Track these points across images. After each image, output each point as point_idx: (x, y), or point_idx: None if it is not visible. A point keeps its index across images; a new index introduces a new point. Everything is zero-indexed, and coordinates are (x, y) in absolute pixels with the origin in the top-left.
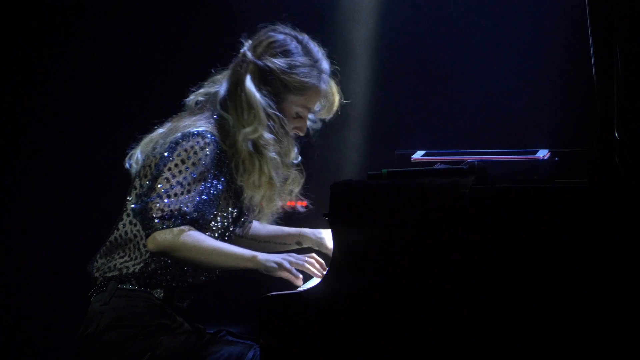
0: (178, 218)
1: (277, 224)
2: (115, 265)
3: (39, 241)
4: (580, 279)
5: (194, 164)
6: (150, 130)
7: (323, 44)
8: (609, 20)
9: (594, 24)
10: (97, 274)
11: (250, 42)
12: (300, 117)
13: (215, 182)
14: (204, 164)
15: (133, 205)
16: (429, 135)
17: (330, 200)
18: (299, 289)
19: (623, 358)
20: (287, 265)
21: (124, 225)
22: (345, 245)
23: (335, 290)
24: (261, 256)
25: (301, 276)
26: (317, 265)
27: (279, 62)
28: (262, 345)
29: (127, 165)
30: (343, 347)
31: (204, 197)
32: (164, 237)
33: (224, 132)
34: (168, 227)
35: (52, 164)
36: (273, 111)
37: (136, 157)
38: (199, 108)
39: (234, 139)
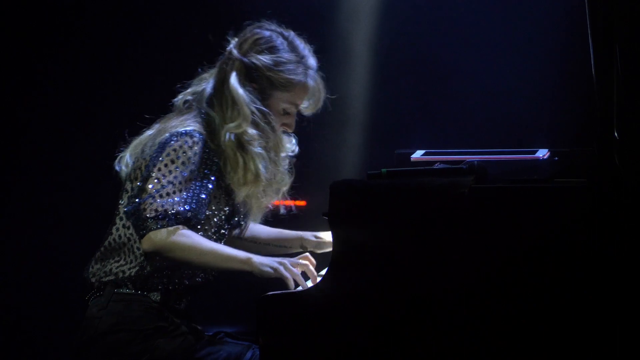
0: (172, 218)
1: (278, 226)
2: (111, 269)
3: (39, 241)
4: (580, 278)
5: (183, 163)
6: (139, 132)
7: (323, 44)
8: (608, 20)
9: (593, 24)
10: (93, 279)
11: (236, 39)
12: (287, 114)
13: (205, 181)
14: (193, 163)
15: (125, 208)
16: (429, 135)
17: (329, 200)
18: (298, 288)
19: (623, 358)
20: (282, 270)
21: (118, 229)
22: (345, 245)
23: (335, 289)
24: (256, 259)
25: (293, 285)
26: (311, 267)
27: (264, 59)
28: (262, 345)
29: (116, 168)
30: (342, 346)
31: (196, 196)
32: (159, 236)
33: (211, 130)
34: (162, 226)
35: (51, 165)
36: (258, 106)
37: (125, 160)
38: (186, 107)
39: (220, 137)
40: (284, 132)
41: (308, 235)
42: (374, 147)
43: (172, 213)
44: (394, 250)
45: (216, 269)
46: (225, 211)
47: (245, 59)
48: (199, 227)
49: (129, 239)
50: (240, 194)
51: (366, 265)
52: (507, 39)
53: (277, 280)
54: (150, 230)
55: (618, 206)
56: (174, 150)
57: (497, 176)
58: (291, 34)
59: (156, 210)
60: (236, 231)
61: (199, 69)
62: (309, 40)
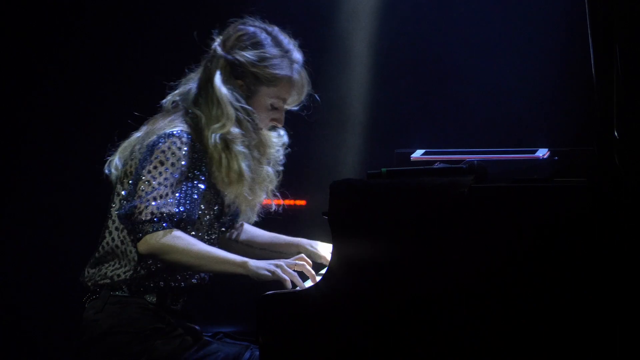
0: (167, 220)
1: (278, 226)
2: (106, 273)
3: (39, 242)
4: (580, 278)
5: (173, 164)
6: (127, 135)
7: (323, 44)
8: (608, 20)
9: (593, 23)
10: (89, 283)
11: (220, 37)
12: (276, 109)
13: (196, 182)
14: (183, 164)
15: (117, 212)
16: (429, 135)
17: (329, 200)
18: (298, 287)
19: (623, 358)
20: (280, 273)
21: (110, 233)
22: (345, 244)
23: (335, 289)
24: (252, 262)
25: (291, 286)
26: (307, 267)
27: (248, 55)
28: (262, 344)
29: (106, 172)
30: (342, 346)
31: (189, 197)
32: (155, 239)
33: (199, 130)
34: (158, 229)
35: (51, 165)
36: (241, 105)
37: (115, 163)
38: (173, 108)
39: (206, 136)
40: (274, 126)
41: (304, 242)
42: (374, 147)
43: (167, 215)
44: (393, 250)
45: (212, 272)
46: (215, 210)
47: (229, 56)
48: (191, 228)
49: (122, 242)
50: (227, 193)
51: (366, 264)
52: (507, 39)
53: (275, 282)
54: (147, 233)
55: (618, 206)
56: (163, 152)
57: (497, 176)
58: (275, 29)
59: (151, 213)
60: (232, 233)
61: (186, 69)
62: (310, 40)
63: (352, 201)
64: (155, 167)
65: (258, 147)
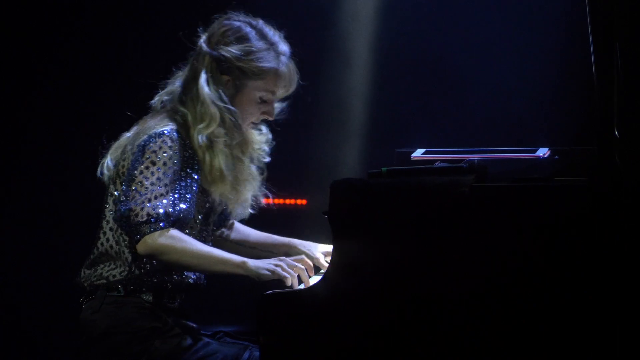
0: (164, 220)
1: (277, 225)
2: (101, 274)
3: (38, 241)
4: (581, 277)
5: (164, 163)
6: (117, 136)
7: (324, 43)
8: (609, 20)
9: (594, 23)
10: (86, 284)
11: (206, 34)
12: (265, 102)
13: (189, 180)
14: (175, 163)
15: (114, 215)
16: (429, 134)
17: (330, 199)
18: (299, 287)
19: (623, 358)
20: (280, 271)
21: (105, 234)
22: (345, 244)
23: (335, 288)
24: (251, 263)
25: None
26: (305, 274)
27: (233, 50)
28: (262, 344)
29: (98, 173)
30: (343, 345)
31: (183, 196)
32: (155, 239)
33: (187, 128)
34: (157, 229)
35: (50, 165)
36: (225, 104)
37: (107, 165)
38: (162, 107)
39: (192, 135)
40: (265, 120)
41: (297, 242)
42: (375, 146)
43: (164, 215)
44: (394, 249)
45: (211, 272)
46: (205, 209)
47: (214, 52)
48: (186, 226)
49: (116, 243)
50: (212, 191)
51: (366, 264)
52: (508, 38)
53: (275, 281)
54: (145, 234)
55: (618, 205)
56: (154, 151)
57: (498, 175)
58: (260, 22)
59: (148, 214)
60: (223, 232)
61: (173, 68)
62: (311, 40)
63: (352, 200)
64: (147, 168)
65: (240, 145)
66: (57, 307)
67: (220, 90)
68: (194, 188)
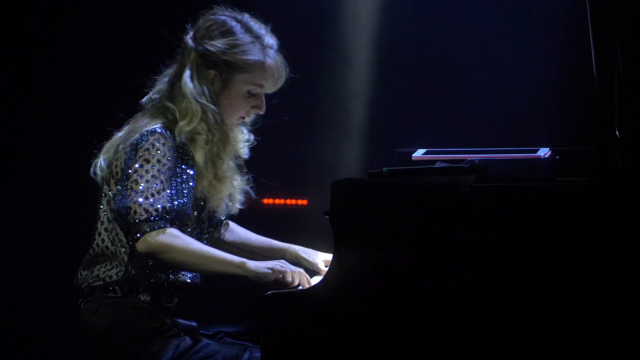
0: (162, 218)
1: (278, 225)
2: (98, 275)
3: (38, 241)
4: (581, 277)
5: (158, 161)
6: (108, 136)
7: (325, 43)
8: (609, 20)
9: (594, 23)
10: (83, 285)
11: (192, 30)
12: (254, 96)
13: (185, 177)
14: (169, 159)
15: (112, 214)
16: (430, 134)
17: (330, 199)
18: (300, 287)
19: (623, 358)
20: (279, 268)
21: (100, 235)
22: (346, 244)
23: (336, 288)
24: (250, 263)
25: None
26: (303, 279)
27: (218, 44)
28: (263, 344)
29: (91, 174)
30: (343, 345)
31: (180, 192)
32: (154, 238)
33: (177, 125)
34: (156, 227)
35: (50, 165)
36: (207, 100)
37: (99, 165)
38: (152, 105)
39: (176, 132)
40: (256, 114)
41: (296, 248)
42: (375, 146)
43: (162, 213)
44: (395, 249)
45: (210, 272)
46: (200, 205)
47: (200, 48)
48: (184, 223)
49: (112, 243)
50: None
51: (367, 264)
52: (509, 38)
53: (275, 282)
54: (144, 232)
55: (619, 205)
56: (147, 149)
57: (498, 175)
58: (245, 16)
59: (146, 211)
60: (221, 234)
61: (162, 66)
62: (312, 40)
63: (353, 200)
64: (141, 166)
65: (220, 142)
66: (56, 307)
67: (204, 86)
68: (190, 184)
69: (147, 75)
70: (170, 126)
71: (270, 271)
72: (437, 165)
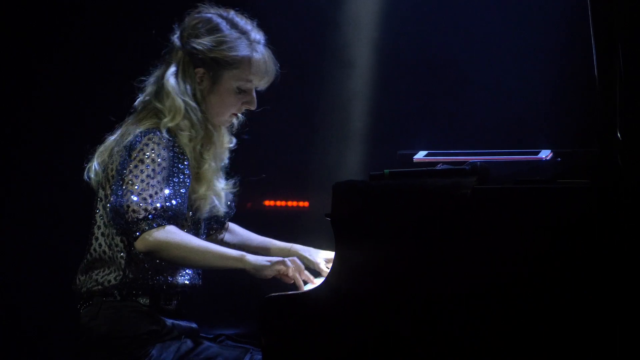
0: (161, 216)
1: (278, 227)
2: (97, 280)
3: (39, 241)
4: (583, 279)
5: (153, 160)
6: (102, 140)
7: (326, 45)
8: (611, 21)
9: (596, 24)
10: (82, 290)
11: (179, 30)
12: (244, 92)
13: (182, 176)
14: (164, 159)
15: (102, 218)
16: (431, 136)
17: (332, 201)
18: (307, 286)
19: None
20: (279, 264)
21: (97, 239)
22: (348, 246)
23: (338, 290)
24: (250, 257)
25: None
26: (305, 274)
27: (204, 42)
28: (264, 346)
29: (85, 178)
30: (345, 347)
31: (177, 191)
32: (154, 236)
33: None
34: (155, 225)
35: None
36: (188, 97)
37: (94, 169)
38: (143, 108)
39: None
40: (248, 110)
41: (298, 248)
42: (377, 148)
43: (161, 211)
44: (396, 251)
45: (210, 267)
46: (195, 205)
47: (186, 46)
48: (182, 222)
49: (109, 248)
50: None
51: (369, 266)
52: (510, 40)
53: (277, 283)
54: (143, 230)
55: (621, 207)
56: (141, 150)
57: (500, 177)
58: (231, 12)
59: (145, 210)
60: (224, 235)
61: (150, 68)
62: (314, 42)
63: (354, 202)
64: (136, 166)
65: (203, 141)
66: (56, 308)
67: (187, 84)
68: (187, 183)
69: (145, 76)
70: (159, 126)
71: (268, 264)
72: (439, 167)
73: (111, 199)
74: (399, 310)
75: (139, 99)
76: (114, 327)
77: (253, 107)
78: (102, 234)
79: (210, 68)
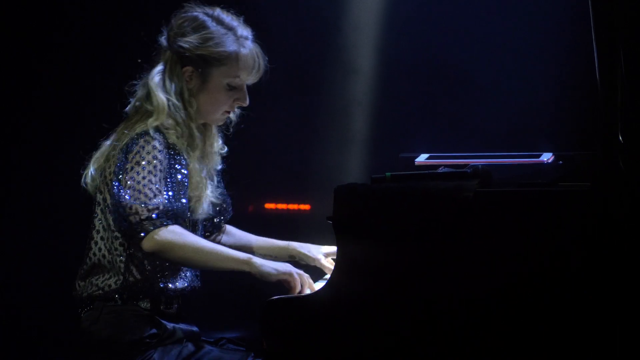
0: (164, 216)
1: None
2: (97, 285)
3: (39, 241)
4: (585, 282)
5: (149, 162)
6: (97, 146)
7: (327, 48)
8: (612, 24)
9: (597, 27)
10: (83, 295)
11: (166, 30)
12: (235, 88)
13: (180, 176)
14: (160, 160)
15: (101, 222)
16: (433, 139)
17: (334, 204)
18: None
19: None
20: (284, 272)
21: (96, 244)
22: (349, 249)
23: (340, 294)
24: (256, 260)
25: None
26: (307, 282)
27: (190, 40)
28: (266, 350)
29: (82, 184)
30: (347, 351)
31: (177, 193)
32: (160, 235)
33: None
34: (161, 225)
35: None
36: (172, 98)
37: (90, 174)
38: (136, 111)
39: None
40: (240, 107)
41: (295, 245)
42: (378, 151)
43: (164, 211)
44: (398, 254)
45: (215, 269)
46: (192, 205)
47: (173, 46)
48: (182, 221)
49: (109, 252)
50: None
51: (370, 269)
52: (512, 42)
53: (278, 287)
54: (149, 230)
55: (622, 210)
56: (138, 152)
57: (502, 180)
58: (217, 10)
59: (148, 210)
60: (218, 236)
61: (142, 73)
62: (315, 45)
63: (356, 206)
64: (132, 168)
65: (187, 139)
66: (56, 308)
67: (173, 83)
68: (186, 183)
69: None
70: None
71: (274, 272)
72: (440, 170)
73: (112, 202)
74: (402, 313)
75: (130, 104)
76: (115, 331)
77: (245, 104)
78: (102, 238)
79: (199, 66)
